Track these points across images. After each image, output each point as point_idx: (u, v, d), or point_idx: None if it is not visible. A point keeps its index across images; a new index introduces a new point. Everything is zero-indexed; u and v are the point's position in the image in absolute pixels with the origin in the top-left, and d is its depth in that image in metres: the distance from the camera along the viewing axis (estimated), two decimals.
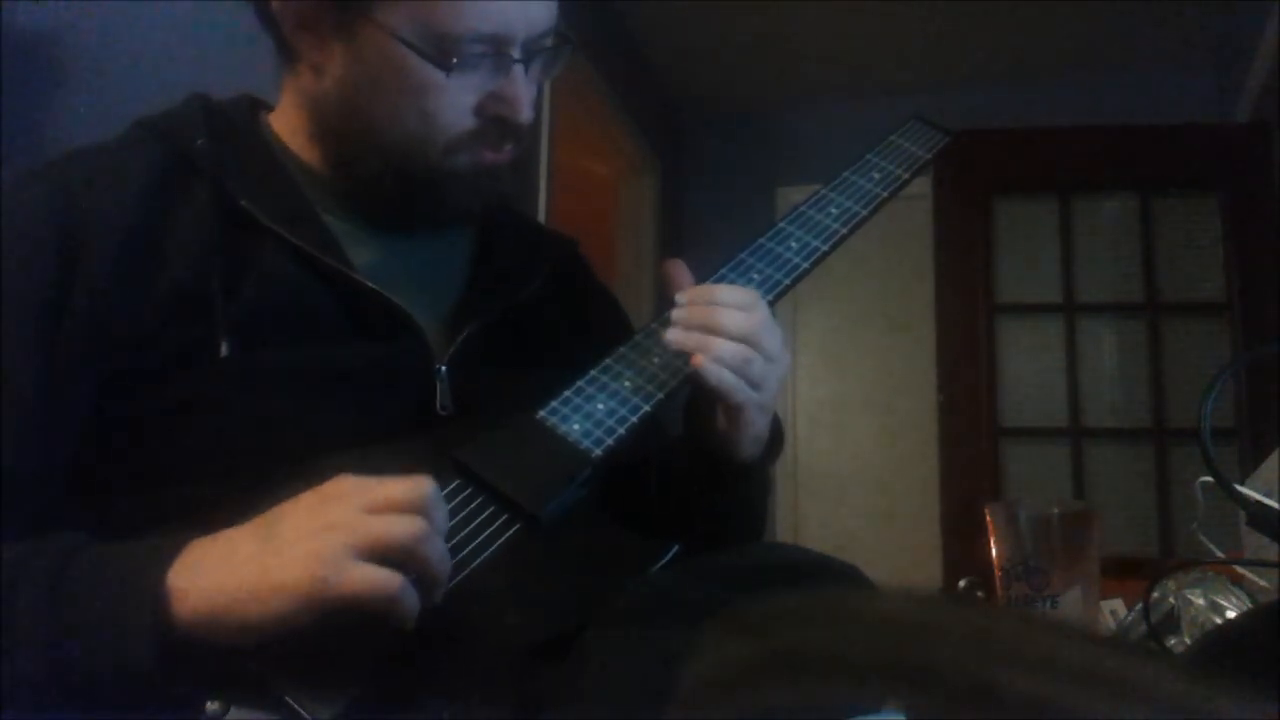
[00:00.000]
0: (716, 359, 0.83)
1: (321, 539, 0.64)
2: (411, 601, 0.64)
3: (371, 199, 0.90)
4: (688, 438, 0.94)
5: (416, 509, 0.65)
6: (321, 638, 0.63)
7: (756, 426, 0.89)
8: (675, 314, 0.86)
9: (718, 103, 4.21)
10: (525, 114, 0.87)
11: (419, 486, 0.66)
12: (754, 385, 0.85)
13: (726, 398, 0.84)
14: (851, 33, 3.67)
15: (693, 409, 0.91)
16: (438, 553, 0.66)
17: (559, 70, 0.94)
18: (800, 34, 3.69)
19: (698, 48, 3.82)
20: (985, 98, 3.71)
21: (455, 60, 0.82)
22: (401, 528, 0.64)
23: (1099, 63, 3.73)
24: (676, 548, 0.78)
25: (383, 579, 0.63)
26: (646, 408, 0.81)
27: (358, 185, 0.89)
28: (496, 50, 0.84)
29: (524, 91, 0.87)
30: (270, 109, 0.95)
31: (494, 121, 0.87)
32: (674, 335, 0.84)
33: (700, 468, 0.92)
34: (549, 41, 0.89)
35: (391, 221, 0.91)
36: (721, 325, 0.84)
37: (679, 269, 0.90)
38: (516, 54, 0.85)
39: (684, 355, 0.84)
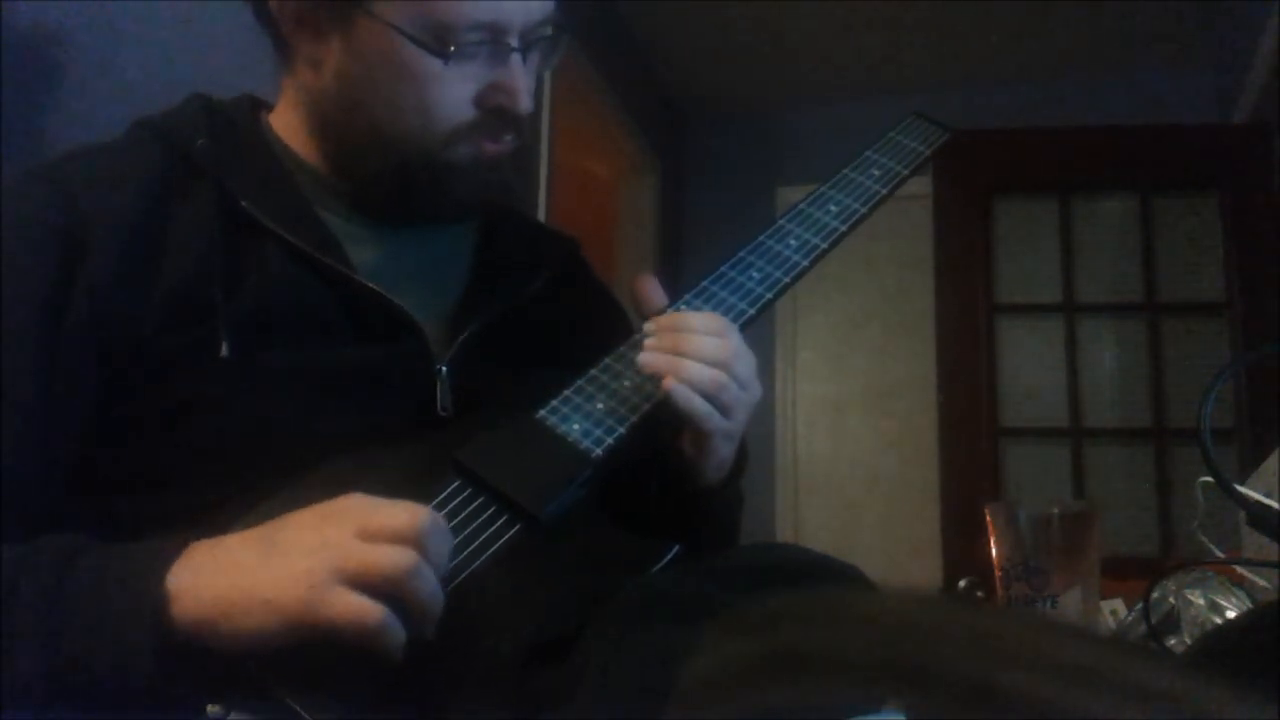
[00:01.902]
0: (688, 382, 0.81)
1: (311, 559, 0.63)
2: (395, 635, 0.63)
3: (373, 195, 0.89)
4: (650, 461, 0.90)
5: (412, 540, 0.64)
6: (311, 653, 0.63)
7: (722, 454, 0.87)
8: (646, 342, 0.84)
9: (718, 103, 4.21)
10: (524, 103, 0.87)
11: (418, 517, 0.65)
12: (724, 412, 0.83)
13: (697, 424, 0.82)
14: (851, 33, 3.67)
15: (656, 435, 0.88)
16: (427, 588, 0.64)
17: (557, 60, 0.94)
18: (800, 34, 3.69)
19: (698, 48, 3.82)
20: (985, 98, 3.71)
21: (453, 49, 0.82)
22: (391, 559, 0.63)
23: (1099, 63, 3.73)
24: (677, 548, 0.78)
25: (364, 610, 0.62)
26: (647, 407, 0.81)
27: (359, 182, 0.89)
28: (494, 39, 0.84)
29: (523, 81, 0.86)
30: (270, 109, 0.95)
31: (493, 112, 0.87)
32: (646, 358, 0.82)
33: (661, 492, 0.90)
34: (546, 31, 0.89)
35: (394, 217, 0.91)
36: (694, 349, 0.82)
37: (650, 286, 0.88)
38: (514, 43, 0.85)
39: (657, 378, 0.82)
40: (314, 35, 0.86)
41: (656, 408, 0.81)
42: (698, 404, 0.81)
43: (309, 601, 0.62)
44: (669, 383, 0.80)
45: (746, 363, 0.84)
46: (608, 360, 0.84)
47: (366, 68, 0.85)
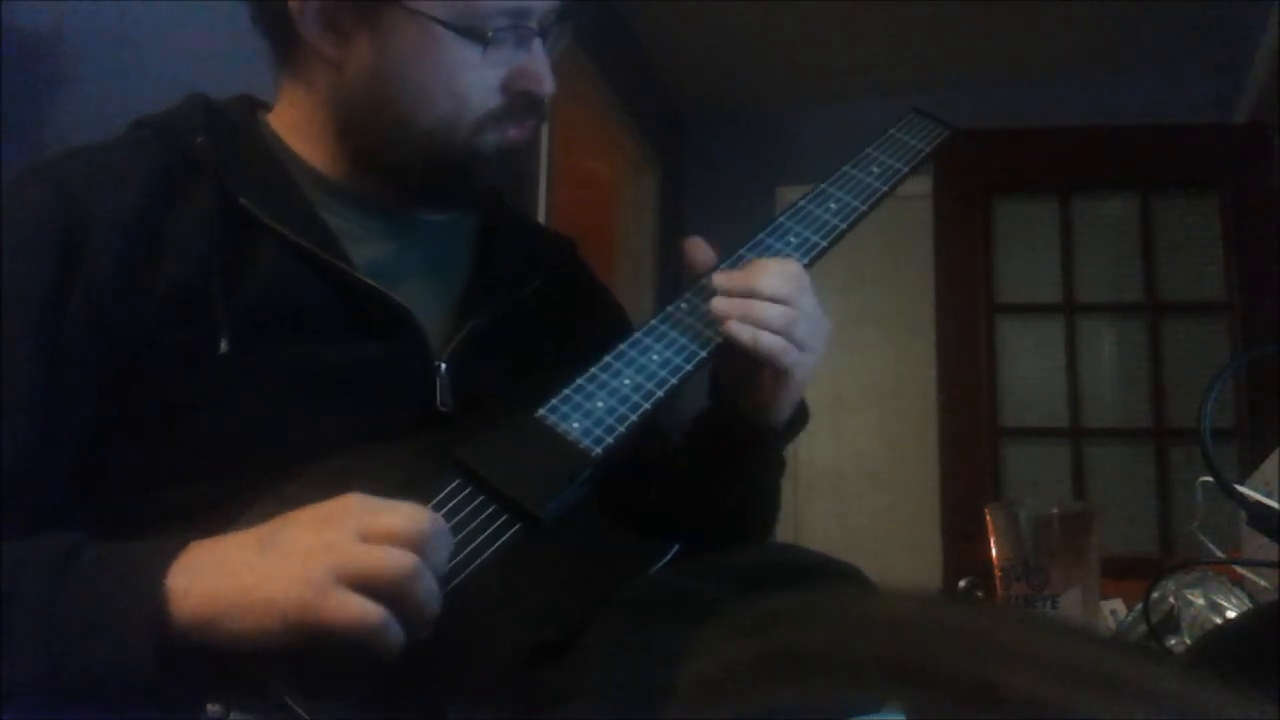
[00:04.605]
0: (758, 323, 0.84)
1: (311, 560, 0.63)
2: (394, 636, 0.63)
3: (396, 188, 0.90)
4: (716, 408, 0.95)
5: (413, 543, 0.64)
6: (310, 655, 0.63)
7: (796, 393, 0.91)
8: (716, 280, 0.87)
9: (718, 103, 4.20)
10: (549, 86, 0.89)
11: (419, 520, 0.65)
12: (800, 346, 0.86)
13: (774, 361, 0.85)
14: (852, 33, 3.67)
15: (727, 375, 0.92)
16: (426, 591, 0.64)
17: (563, 44, 0.95)
18: (800, 34, 3.69)
19: (698, 48, 3.82)
20: (985, 98, 3.70)
21: (490, 35, 0.84)
22: (392, 562, 0.63)
23: (1099, 63, 3.73)
24: (677, 548, 0.78)
25: (364, 611, 0.62)
26: (647, 406, 0.81)
27: (385, 176, 0.89)
28: (517, 24, 0.86)
29: (546, 64, 0.88)
30: (269, 109, 0.95)
31: (519, 97, 0.88)
32: (717, 304, 0.85)
33: (728, 437, 0.93)
34: (555, 15, 0.90)
35: (413, 208, 0.92)
36: (761, 288, 0.85)
37: (699, 247, 0.91)
38: (535, 27, 0.87)
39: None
40: (338, 37, 0.86)
41: (683, 381, 0.83)
42: (772, 342, 0.84)
43: (309, 603, 0.62)
44: (732, 325, 0.84)
45: (811, 297, 0.87)
46: (608, 359, 0.84)
47: (398, 62, 0.85)
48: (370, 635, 0.62)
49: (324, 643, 0.62)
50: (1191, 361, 3.32)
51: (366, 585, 0.63)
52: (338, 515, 0.66)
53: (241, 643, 0.63)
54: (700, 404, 1.00)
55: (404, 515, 0.65)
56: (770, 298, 0.85)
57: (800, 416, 0.95)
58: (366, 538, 0.64)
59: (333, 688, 0.64)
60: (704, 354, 0.85)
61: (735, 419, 0.92)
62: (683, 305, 0.88)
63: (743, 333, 0.84)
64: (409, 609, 0.64)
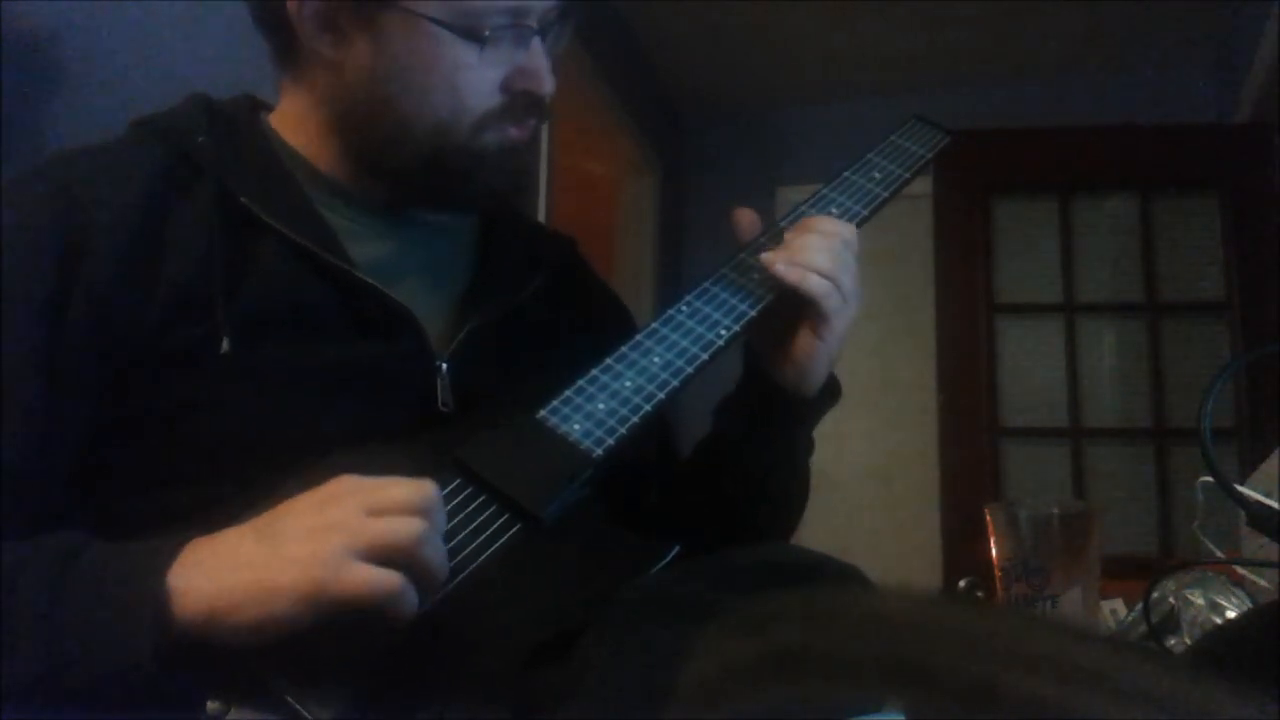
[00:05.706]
0: (808, 266, 0.88)
1: (321, 540, 0.64)
2: (410, 601, 0.64)
3: (398, 189, 0.90)
4: (749, 382, 0.97)
5: (417, 511, 0.65)
6: (321, 638, 0.63)
7: (834, 350, 0.93)
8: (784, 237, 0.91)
9: (718, 103, 4.20)
10: (549, 85, 0.89)
11: (420, 488, 0.67)
12: (845, 295, 0.90)
13: (819, 304, 0.89)
14: (851, 33, 3.67)
15: (763, 342, 0.94)
16: (437, 555, 0.66)
17: (565, 42, 0.95)
18: (800, 34, 3.69)
19: (698, 48, 3.82)
20: (985, 98, 3.71)
21: (487, 34, 0.84)
22: (402, 529, 0.64)
23: (1099, 63, 3.73)
24: (677, 548, 0.78)
25: (382, 579, 0.63)
26: (647, 408, 0.81)
27: (384, 177, 0.90)
28: (516, 24, 0.86)
29: (545, 63, 0.89)
30: (270, 109, 0.95)
31: (519, 96, 0.88)
32: (767, 255, 0.89)
33: (761, 409, 0.95)
34: (556, 13, 0.90)
35: (416, 210, 0.92)
36: (813, 239, 0.90)
37: (750, 217, 0.95)
38: (534, 25, 0.87)
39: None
40: (336, 37, 0.86)
41: (685, 384, 0.84)
42: (820, 284, 0.89)
43: (325, 580, 0.62)
44: (795, 272, 0.88)
45: (855, 254, 0.92)
46: (609, 360, 0.84)
47: (396, 63, 0.85)
48: (390, 601, 0.63)
49: (341, 618, 0.63)
50: (1191, 361, 3.32)
51: (379, 555, 0.63)
52: (338, 495, 0.66)
53: (247, 636, 0.63)
54: (703, 403, 1.00)
55: (404, 486, 0.67)
56: (822, 247, 0.89)
57: (832, 388, 0.97)
58: (372, 512, 0.65)
59: (337, 676, 0.64)
60: (705, 356, 0.85)
61: (769, 390, 0.94)
62: (683, 308, 0.88)
63: (790, 273, 0.87)
64: (421, 573, 0.65)
